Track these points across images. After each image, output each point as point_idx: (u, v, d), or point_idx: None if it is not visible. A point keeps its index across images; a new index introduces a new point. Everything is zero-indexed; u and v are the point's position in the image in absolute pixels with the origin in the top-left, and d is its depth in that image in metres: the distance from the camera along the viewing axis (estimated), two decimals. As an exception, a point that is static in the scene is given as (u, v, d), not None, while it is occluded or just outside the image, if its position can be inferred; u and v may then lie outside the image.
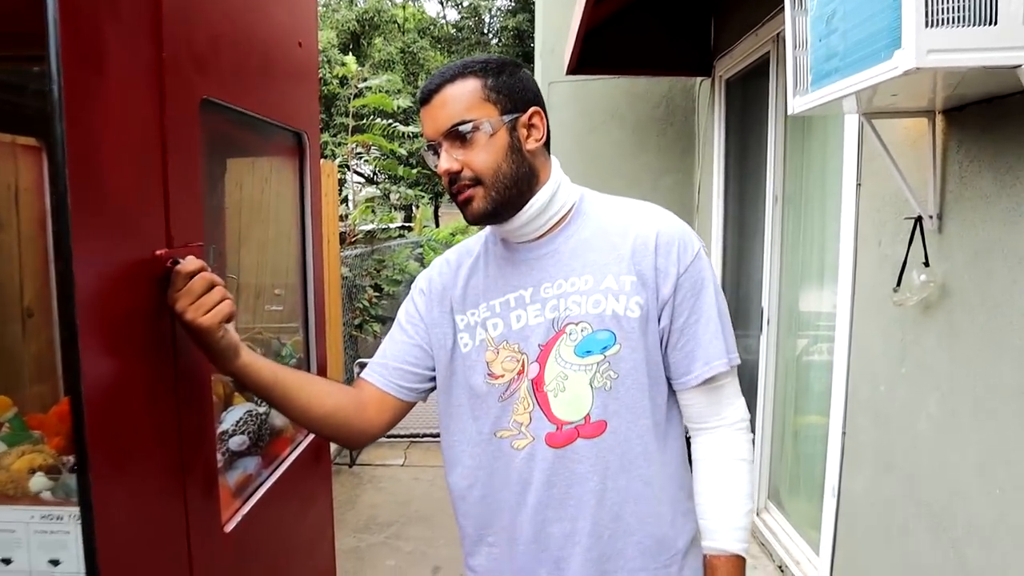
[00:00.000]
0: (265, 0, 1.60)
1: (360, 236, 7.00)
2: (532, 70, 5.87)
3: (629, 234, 1.24)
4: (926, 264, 1.92)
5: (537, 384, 1.22)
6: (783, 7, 1.83)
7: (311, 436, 1.81)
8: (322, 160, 4.98)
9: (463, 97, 1.19)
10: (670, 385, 1.27)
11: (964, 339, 1.81)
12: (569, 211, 1.29)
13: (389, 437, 5.17)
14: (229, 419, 1.53)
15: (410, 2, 19.23)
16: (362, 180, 13.46)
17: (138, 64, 1.09)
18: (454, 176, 1.20)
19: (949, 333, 1.88)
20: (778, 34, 3.26)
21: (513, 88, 1.22)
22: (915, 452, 2.04)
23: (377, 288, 6.45)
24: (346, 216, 6.94)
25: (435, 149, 1.21)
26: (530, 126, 1.23)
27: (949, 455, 1.89)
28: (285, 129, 1.75)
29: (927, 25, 1.29)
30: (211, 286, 1.13)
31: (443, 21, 20.17)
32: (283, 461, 1.69)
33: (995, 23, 1.29)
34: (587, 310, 1.21)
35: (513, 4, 17.92)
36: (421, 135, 1.29)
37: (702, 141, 4.69)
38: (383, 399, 1.33)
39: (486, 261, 1.32)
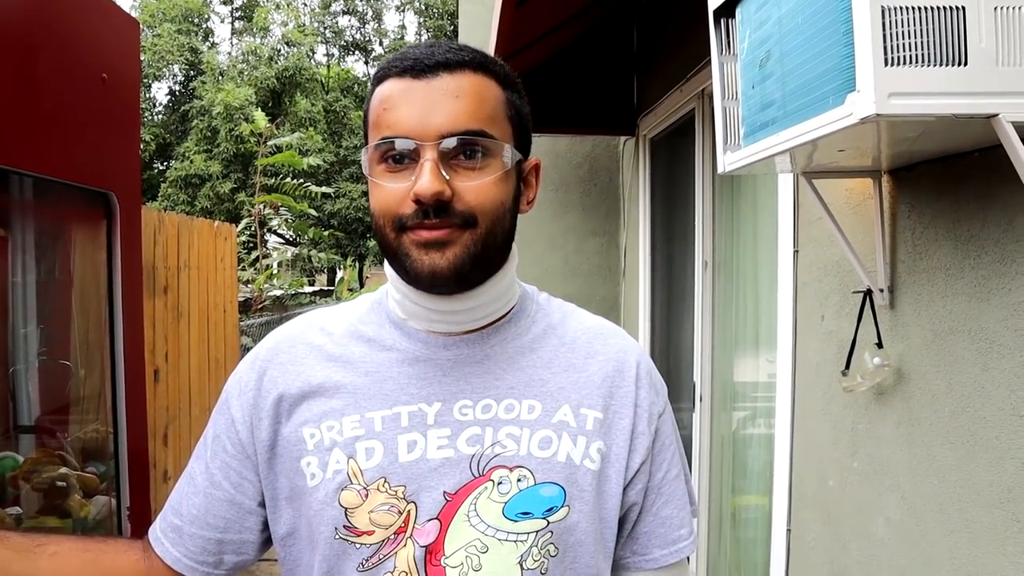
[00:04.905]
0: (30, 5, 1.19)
1: (267, 303, 6.53)
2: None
3: (596, 353, 0.89)
4: (879, 345, 1.67)
5: (433, 555, 0.80)
6: (708, 61, 1.61)
7: None
8: (217, 223, 4.62)
9: (489, 101, 0.79)
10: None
11: (927, 432, 1.55)
12: (512, 308, 0.90)
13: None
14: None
15: (335, 63, 19.09)
16: (282, 242, 12.97)
17: None
18: (438, 206, 0.75)
19: (908, 424, 1.61)
20: (703, 90, 3.08)
21: (526, 119, 0.86)
22: (873, 561, 1.76)
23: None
24: (251, 281, 6.49)
25: (405, 155, 0.76)
26: (526, 181, 0.87)
27: (913, 569, 1.60)
28: (71, 187, 1.34)
29: (887, 63, 1.04)
30: None
31: (367, 79, 20.05)
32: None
33: (964, 63, 1.05)
34: (530, 451, 0.83)
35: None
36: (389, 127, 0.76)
37: (627, 202, 4.50)
38: None
39: (368, 348, 0.87)
